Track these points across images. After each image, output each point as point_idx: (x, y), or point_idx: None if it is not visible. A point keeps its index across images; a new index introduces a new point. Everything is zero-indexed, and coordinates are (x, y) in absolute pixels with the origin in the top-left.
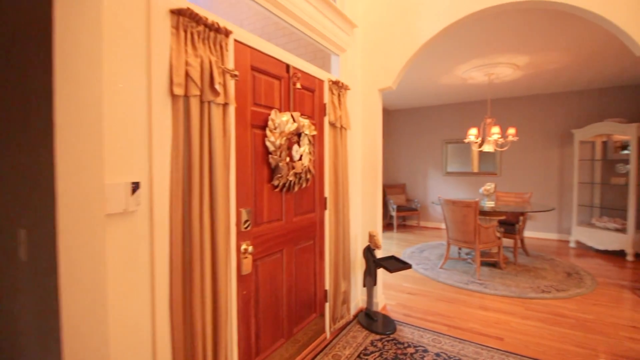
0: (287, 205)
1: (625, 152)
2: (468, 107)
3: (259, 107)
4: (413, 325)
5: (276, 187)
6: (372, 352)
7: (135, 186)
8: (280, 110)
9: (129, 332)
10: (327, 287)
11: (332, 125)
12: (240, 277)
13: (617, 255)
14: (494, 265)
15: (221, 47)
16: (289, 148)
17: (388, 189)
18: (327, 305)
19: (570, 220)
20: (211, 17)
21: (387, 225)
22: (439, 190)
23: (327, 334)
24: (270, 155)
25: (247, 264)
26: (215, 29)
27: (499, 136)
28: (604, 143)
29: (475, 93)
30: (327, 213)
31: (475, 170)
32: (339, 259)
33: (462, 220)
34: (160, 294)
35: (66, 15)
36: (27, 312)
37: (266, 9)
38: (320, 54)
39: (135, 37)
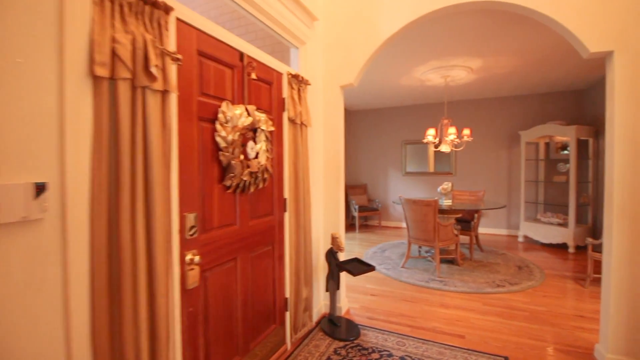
0: (241, 208)
1: (565, 152)
2: (426, 108)
3: (208, 98)
4: (377, 329)
5: (229, 187)
6: None
7: (41, 188)
8: (232, 103)
9: None
10: (287, 294)
11: (292, 121)
12: (186, 292)
13: (560, 248)
14: (452, 262)
15: (160, 25)
16: (244, 145)
17: (350, 189)
18: (287, 314)
19: (518, 216)
20: None
21: (350, 226)
22: (398, 190)
23: (288, 344)
24: (221, 152)
25: (194, 276)
26: (152, 2)
27: (455, 137)
28: (547, 144)
29: (433, 95)
30: (286, 215)
31: (432, 170)
32: (300, 264)
33: (423, 219)
34: (77, 320)
35: None
36: None
37: None
38: (279, 47)
39: (41, 2)
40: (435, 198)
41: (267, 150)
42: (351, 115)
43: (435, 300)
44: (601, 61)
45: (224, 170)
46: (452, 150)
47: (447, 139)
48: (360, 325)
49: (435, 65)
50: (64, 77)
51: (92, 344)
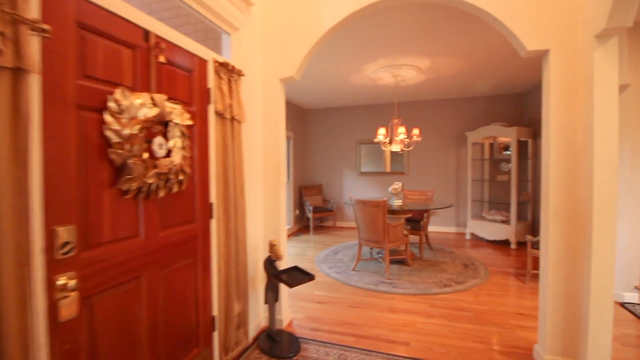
0: (147, 216)
1: (508, 152)
2: (380, 108)
3: (95, 82)
4: (320, 341)
5: (126, 192)
6: None
7: None
8: (133, 90)
9: None
10: (215, 312)
11: (220, 115)
12: (58, 326)
13: (503, 244)
14: (402, 262)
15: None
16: (149, 141)
17: (305, 190)
18: (215, 334)
19: (465, 214)
20: None
21: (304, 228)
22: (353, 190)
23: None
24: (112, 150)
25: (69, 306)
26: None
27: (405, 136)
28: (491, 144)
29: (386, 95)
30: (213, 222)
31: (388, 170)
32: (231, 276)
33: (372, 220)
34: None
35: None
36: None
37: None
38: (212, 34)
39: None
40: (385, 198)
41: (184, 148)
42: (306, 114)
43: (383, 305)
44: (539, 66)
45: (119, 171)
46: (403, 150)
47: (397, 138)
48: (302, 338)
49: (385, 64)
50: None
51: None
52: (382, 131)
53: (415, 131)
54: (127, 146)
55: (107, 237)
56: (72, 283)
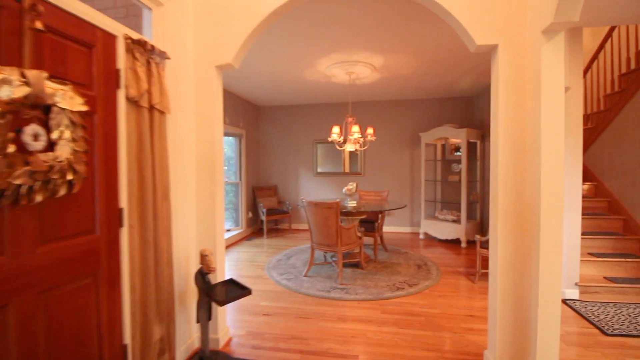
0: (15, 228)
1: (458, 153)
2: (335, 107)
3: None
4: None
5: None
6: None
7: None
8: None
9: None
10: (127, 340)
11: (134, 103)
12: None
13: (454, 243)
14: (356, 265)
15: None
16: (18, 130)
17: (258, 191)
18: None
19: (419, 214)
20: None
21: (258, 231)
22: (309, 191)
23: None
24: None
25: None
26: None
27: (359, 135)
28: (443, 145)
29: (341, 93)
30: (124, 231)
31: (347, 170)
32: (149, 295)
33: (324, 223)
34: None
35: None
36: None
37: None
38: (135, 10)
39: None
40: (337, 200)
41: (75, 140)
42: (260, 111)
43: (334, 314)
44: (488, 70)
45: None
46: (358, 150)
47: (351, 137)
48: (241, 359)
49: (338, 59)
50: None
51: None
52: (336, 130)
53: (370, 130)
54: None
55: None
56: None
